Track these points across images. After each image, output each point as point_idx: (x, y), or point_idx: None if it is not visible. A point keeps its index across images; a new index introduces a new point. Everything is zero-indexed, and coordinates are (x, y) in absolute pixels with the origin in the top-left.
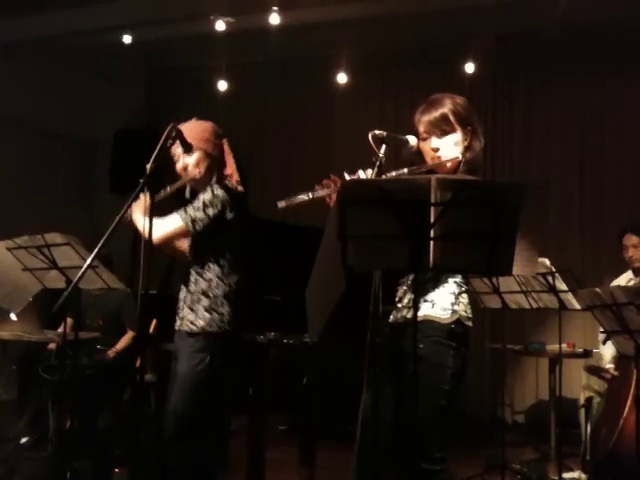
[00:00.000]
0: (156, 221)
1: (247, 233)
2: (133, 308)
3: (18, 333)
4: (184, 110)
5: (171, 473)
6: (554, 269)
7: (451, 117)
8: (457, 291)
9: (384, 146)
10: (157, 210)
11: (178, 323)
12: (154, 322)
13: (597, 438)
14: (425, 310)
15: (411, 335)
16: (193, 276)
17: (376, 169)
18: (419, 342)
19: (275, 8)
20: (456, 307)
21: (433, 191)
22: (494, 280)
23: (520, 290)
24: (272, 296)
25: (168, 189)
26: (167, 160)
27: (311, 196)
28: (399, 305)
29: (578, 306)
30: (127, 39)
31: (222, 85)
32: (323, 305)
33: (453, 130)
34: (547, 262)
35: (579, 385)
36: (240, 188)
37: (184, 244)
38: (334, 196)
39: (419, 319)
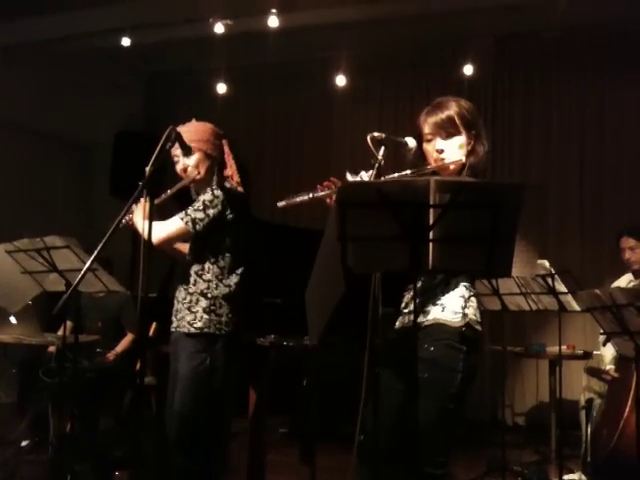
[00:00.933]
0: (156, 223)
1: (247, 234)
2: (133, 311)
3: (18, 336)
4: (183, 113)
5: (174, 476)
6: (553, 271)
7: (457, 120)
8: (467, 295)
9: (383, 148)
10: (158, 213)
11: (175, 324)
12: (154, 325)
13: (598, 440)
14: (435, 314)
15: (422, 339)
16: (192, 277)
17: (375, 171)
18: (430, 345)
19: (274, 11)
20: (466, 311)
21: (432, 193)
22: (494, 282)
23: (520, 292)
24: (272, 298)
25: (169, 192)
26: (167, 162)
27: (311, 196)
28: (405, 311)
29: (578, 308)
30: (126, 42)
31: (221, 88)
32: (323, 307)
33: (458, 133)
34: (547, 264)
35: (579, 387)
36: (240, 189)
37: (184, 246)
38: (334, 197)
39: (429, 323)
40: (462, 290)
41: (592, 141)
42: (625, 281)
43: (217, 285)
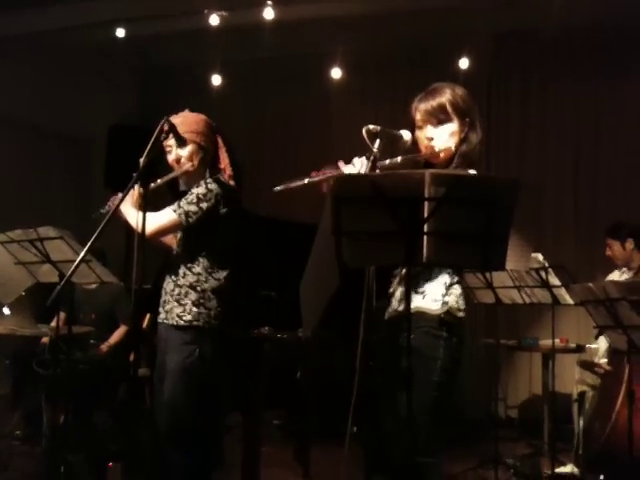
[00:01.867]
0: (149, 214)
1: (239, 228)
2: (126, 303)
3: (11, 327)
4: (178, 106)
5: (166, 469)
6: (547, 264)
7: (449, 107)
8: (449, 282)
9: (378, 141)
10: (149, 202)
11: (163, 316)
12: (147, 317)
13: (590, 432)
14: (416, 302)
15: (403, 328)
16: (182, 269)
17: (370, 164)
18: (411, 334)
19: (269, 2)
20: (447, 298)
21: (427, 186)
22: (487, 275)
23: (513, 285)
24: (267, 291)
25: (159, 181)
26: (161, 153)
27: (306, 181)
28: (392, 299)
29: (571, 301)
30: (120, 34)
31: (217, 81)
32: (317, 300)
33: (449, 120)
34: (540, 257)
35: (572, 380)
36: (232, 183)
37: (171, 239)
38: (329, 186)
39: (411, 311)
40: (444, 277)
41: (588, 141)
42: (618, 274)
43: (207, 278)
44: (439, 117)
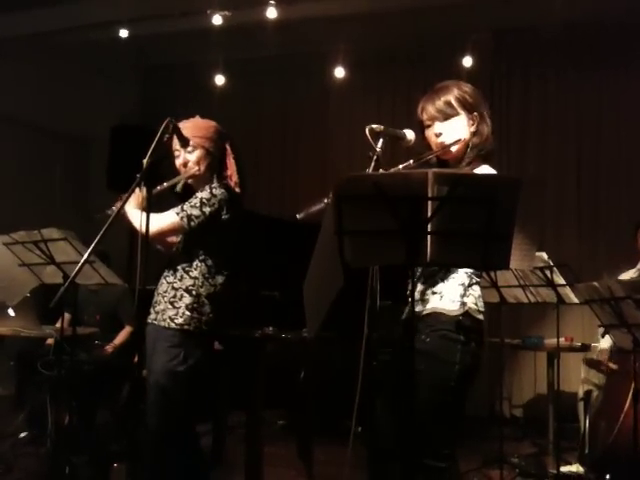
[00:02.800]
0: (152, 216)
1: (239, 235)
2: (130, 303)
3: (16, 328)
4: (180, 106)
5: (155, 471)
6: (552, 263)
7: (455, 102)
8: (467, 282)
9: (381, 140)
10: (153, 205)
11: (153, 316)
12: None
13: (596, 432)
14: (433, 303)
15: (422, 330)
16: (179, 272)
17: (373, 163)
18: (426, 336)
19: (272, 2)
20: (465, 299)
21: (430, 185)
22: (492, 274)
23: (518, 284)
24: (270, 291)
25: (165, 184)
26: (164, 155)
27: (327, 202)
28: (410, 299)
29: (576, 300)
30: (123, 34)
31: (218, 80)
32: (321, 301)
33: (456, 114)
34: (545, 256)
35: (577, 379)
36: (238, 190)
37: (172, 238)
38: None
39: (427, 312)
40: (462, 277)
41: (589, 136)
42: (629, 276)
43: (203, 283)
44: (446, 113)
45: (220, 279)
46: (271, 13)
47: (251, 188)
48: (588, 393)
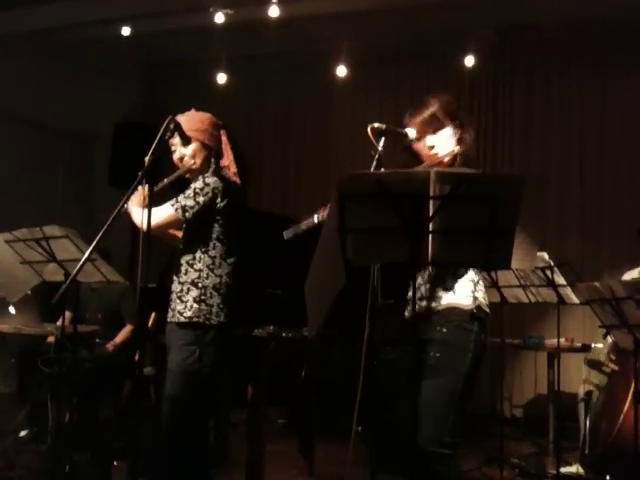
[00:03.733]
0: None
1: (240, 224)
2: (132, 301)
3: (17, 326)
4: (182, 103)
5: (166, 469)
6: (553, 263)
7: (440, 114)
8: (476, 279)
9: (383, 139)
10: (155, 202)
11: (170, 315)
12: (153, 315)
13: (596, 432)
14: (448, 299)
15: (436, 322)
16: (184, 267)
17: (375, 162)
18: (442, 327)
19: (275, 0)
20: (476, 294)
21: (432, 184)
22: (493, 274)
23: (519, 284)
24: (272, 289)
25: (165, 180)
26: (166, 152)
27: (316, 220)
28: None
29: (577, 300)
30: (125, 32)
31: (221, 78)
32: (322, 299)
33: (444, 126)
34: (546, 256)
35: (578, 379)
36: (235, 179)
37: (177, 233)
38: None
39: (442, 307)
40: (471, 274)
41: (592, 135)
42: (635, 275)
43: (208, 275)
44: (435, 125)
45: (226, 269)
46: (274, 11)
47: (253, 186)
48: (589, 394)
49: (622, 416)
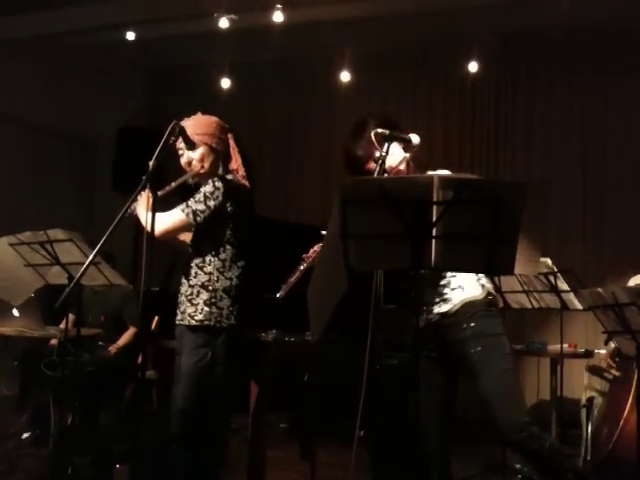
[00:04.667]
0: (159, 215)
1: (249, 228)
2: (135, 305)
3: (20, 329)
4: (185, 108)
5: (173, 472)
6: (556, 269)
7: (379, 130)
8: None
9: (387, 144)
10: (161, 206)
11: (179, 317)
12: (156, 319)
13: (598, 438)
14: (459, 297)
15: (457, 323)
16: (194, 269)
17: (379, 167)
18: (469, 322)
19: (279, 6)
20: (482, 281)
21: (435, 190)
22: (496, 279)
23: (522, 290)
24: (274, 294)
25: (172, 184)
26: (170, 156)
27: (302, 268)
28: (424, 308)
29: (580, 306)
30: (129, 36)
31: (224, 83)
32: (325, 304)
33: (388, 140)
34: (549, 262)
35: (580, 385)
36: (244, 182)
37: (187, 236)
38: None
39: (457, 307)
40: None
41: (595, 140)
42: None
43: (218, 278)
44: (379, 141)
45: (236, 272)
46: (277, 17)
47: (255, 191)
48: (591, 400)
49: (622, 422)
